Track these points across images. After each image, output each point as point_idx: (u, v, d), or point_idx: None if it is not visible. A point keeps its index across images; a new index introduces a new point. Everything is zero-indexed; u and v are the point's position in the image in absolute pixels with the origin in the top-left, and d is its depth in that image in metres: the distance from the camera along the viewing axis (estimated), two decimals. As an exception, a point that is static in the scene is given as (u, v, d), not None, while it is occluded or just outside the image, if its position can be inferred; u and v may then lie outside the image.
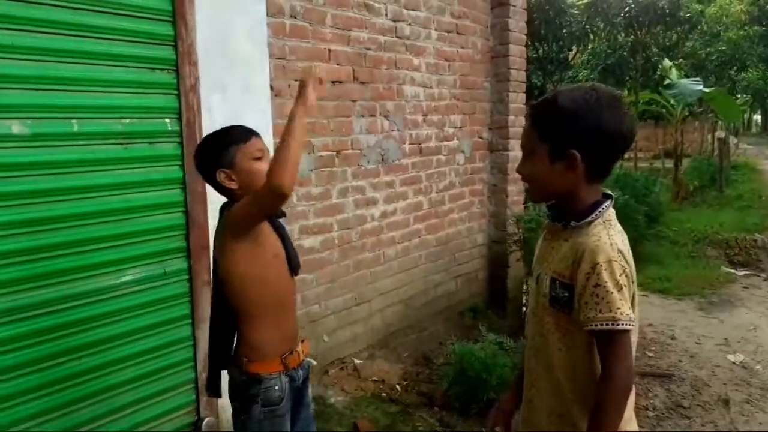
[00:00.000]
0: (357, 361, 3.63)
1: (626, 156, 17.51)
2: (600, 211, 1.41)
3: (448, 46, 4.30)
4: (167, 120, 2.44)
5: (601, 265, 1.31)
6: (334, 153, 3.49)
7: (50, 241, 2.11)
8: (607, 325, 1.30)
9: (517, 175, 5.12)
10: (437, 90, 4.23)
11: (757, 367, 3.97)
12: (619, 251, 1.35)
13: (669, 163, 13.32)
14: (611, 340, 1.32)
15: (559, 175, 1.40)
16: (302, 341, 1.89)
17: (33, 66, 2.04)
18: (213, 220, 2.55)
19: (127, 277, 2.34)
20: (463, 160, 4.55)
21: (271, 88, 3.00)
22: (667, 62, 11.65)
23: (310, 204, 3.37)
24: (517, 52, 4.78)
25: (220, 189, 1.76)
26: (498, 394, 2.95)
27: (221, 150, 1.73)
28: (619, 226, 1.43)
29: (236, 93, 2.70)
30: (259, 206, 1.62)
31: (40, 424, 2.11)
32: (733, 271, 6.69)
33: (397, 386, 3.42)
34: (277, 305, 1.78)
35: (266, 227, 1.75)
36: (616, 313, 1.30)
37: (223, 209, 1.79)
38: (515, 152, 4.82)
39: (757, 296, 5.69)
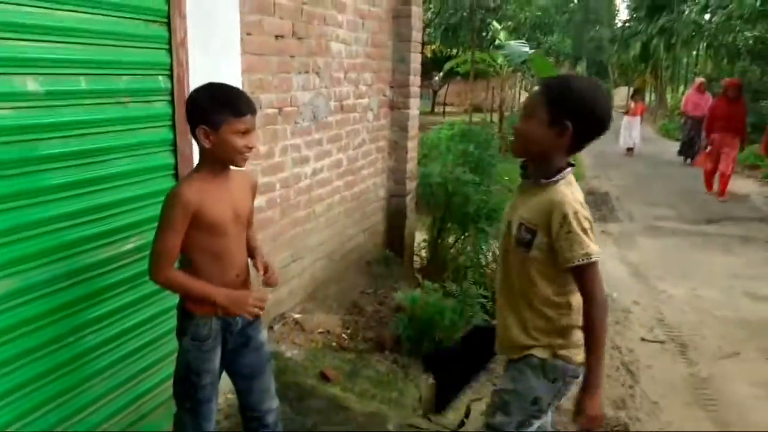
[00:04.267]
0: (296, 316, 3.73)
1: (449, 111, 18.88)
2: (564, 174, 1.78)
3: (363, 3, 4.37)
4: (160, 77, 2.28)
5: (569, 216, 1.71)
6: (277, 110, 3.45)
7: (56, 212, 1.92)
8: (582, 260, 1.71)
9: (414, 132, 5.41)
10: (354, 48, 4.31)
11: (614, 294, 4.88)
12: (581, 203, 1.75)
13: (478, 117, 14.74)
14: (588, 271, 1.73)
15: (548, 139, 1.76)
16: None
17: (26, 13, 1.78)
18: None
19: (129, 246, 2.20)
20: (372, 117, 4.72)
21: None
22: (496, 24, 12.71)
23: (257, 163, 3.32)
24: (417, 13, 5.00)
25: (194, 137, 1.83)
26: (449, 334, 3.31)
27: (214, 108, 1.78)
28: (577, 186, 1.83)
29: (216, 50, 2.58)
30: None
31: (58, 406, 1.97)
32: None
33: (344, 335, 3.62)
34: (213, 256, 1.89)
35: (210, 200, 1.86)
36: (587, 249, 1.70)
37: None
38: (413, 110, 5.12)
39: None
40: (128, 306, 2.23)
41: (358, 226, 4.70)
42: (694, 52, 21.90)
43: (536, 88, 1.84)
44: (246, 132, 1.81)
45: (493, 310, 3.90)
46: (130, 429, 2.31)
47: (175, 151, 2.38)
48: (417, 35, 5.05)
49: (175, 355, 2.04)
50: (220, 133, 1.78)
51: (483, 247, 4.34)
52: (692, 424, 3.19)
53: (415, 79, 5.06)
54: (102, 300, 2.11)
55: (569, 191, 1.77)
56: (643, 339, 4.18)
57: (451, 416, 2.88)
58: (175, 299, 2.05)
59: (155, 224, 1.85)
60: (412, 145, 5.15)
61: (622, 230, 7.21)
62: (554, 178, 1.78)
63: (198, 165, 1.90)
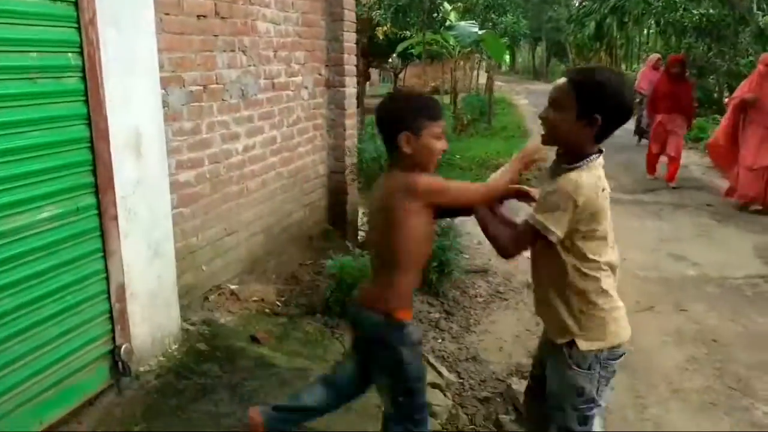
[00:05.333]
0: (232, 287, 3.88)
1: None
2: (587, 161, 1.84)
3: (292, -16, 4.49)
4: (69, 54, 2.39)
5: (563, 190, 1.79)
6: (202, 88, 3.57)
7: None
8: (536, 224, 1.84)
9: (352, 110, 5.54)
10: (284, 27, 4.44)
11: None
12: (578, 185, 1.79)
13: (445, 99, 14.95)
14: (530, 232, 1.87)
15: (578, 130, 1.83)
16: None
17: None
18: (118, 155, 2.62)
19: (44, 214, 2.32)
20: (307, 95, 4.86)
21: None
22: (447, 6, 12.86)
23: (183, 139, 3.44)
24: (349, -7, 5.14)
25: (392, 146, 1.92)
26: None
27: (414, 115, 1.90)
28: (599, 172, 1.86)
29: (129, 28, 2.68)
30: (466, 203, 2.00)
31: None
32: (512, 189, 8.08)
33: (277, 302, 3.79)
34: (421, 263, 2.02)
35: None
36: (547, 222, 1.81)
37: (392, 167, 1.97)
38: (350, 89, 5.26)
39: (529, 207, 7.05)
40: (43, 273, 2.34)
41: (298, 202, 4.86)
42: (646, 30, 22.42)
43: (562, 79, 1.90)
44: (441, 135, 1.93)
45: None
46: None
47: (89, 125, 2.49)
48: (350, 14, 5.18)
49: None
50: (421, 137, 1.89)
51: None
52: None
53: (349, 58, 5.20)
54: (16, 266, 2.23)
55: (577, 175, 1.81)
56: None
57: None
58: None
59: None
60: (351, 123, 5.30)
61: (563, 201, 7.48)
62: (576, 165, 1.84)
63: (392, 171, 1.97)
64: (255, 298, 3.75)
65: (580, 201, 1.78)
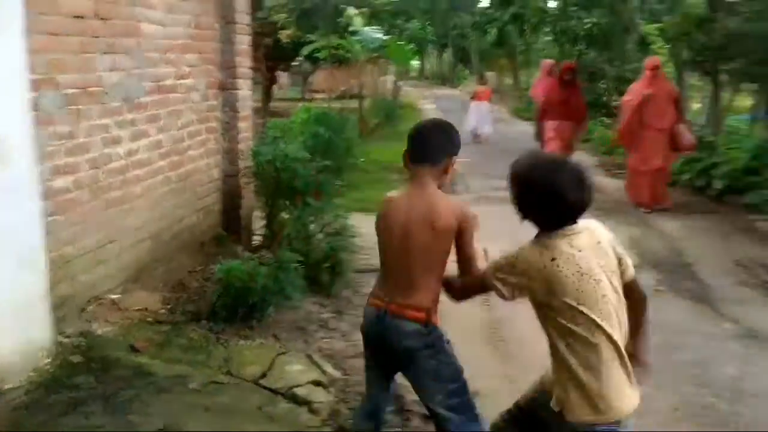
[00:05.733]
0: (113, 296, 3.76)
1: (317, 97, 19.06)
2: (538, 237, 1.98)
3: (179, -14, 4.42)
4: None
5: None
6: (80, 90, 3.45)
7: None
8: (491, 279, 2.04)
9: (247, 112, 5.55)
10: (173, 29, 4.36)
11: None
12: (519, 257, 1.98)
13: (351, 103, 15.10)
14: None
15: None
16: None
17: None
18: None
19: None
20: (199, 98, 4.79)
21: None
22: (351, 10, 13.01)
23: (60, 143, 3.31)
24: (242, -4, 5.12)
25: (435, 161, 2.17)
26: (263, 297, 3.53)
27: (459, 144, 2.26)
28: (547, 246, 1.93)
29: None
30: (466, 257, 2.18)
31: None
32: (412, 191, 8.30)
33: (162, 310, 3.72)
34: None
35: None
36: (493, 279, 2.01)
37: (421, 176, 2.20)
38: (244, 91, 5.24)
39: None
40: None
41: (190, 207, 4.77)
42: (543, 38, 23.65)
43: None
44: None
45: (308, 273, 4.17)
46: None
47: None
48: (243, 18, 5.16)
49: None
50: (454, 162, 2.21)
51: (310, 218, 4.57)
52: (480, 359, 3.64)
53: (243, 60, 5.18)
54: None
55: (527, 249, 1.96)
56: (454, 293, 4.63)
57: (254, 369, 3.09)
58: None
59: None
60: (245, 125, 5.28)
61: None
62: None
63: (432, 189, 2.19)
64: (138, 307, 3.66)
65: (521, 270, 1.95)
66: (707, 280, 5.20)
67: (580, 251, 1.89)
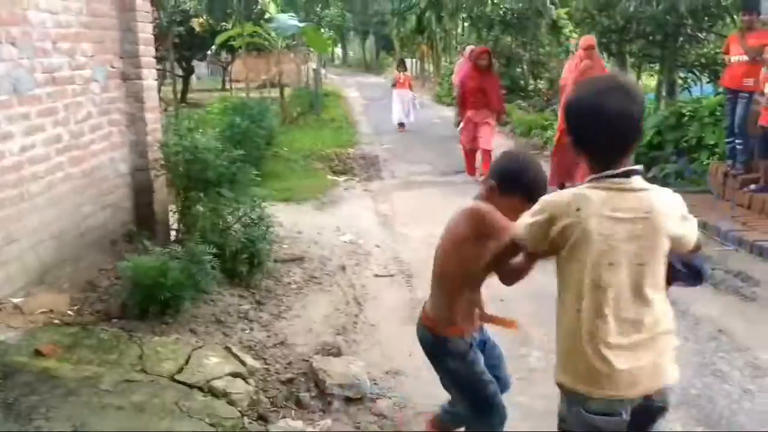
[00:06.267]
0: (15, 300, 3.55)
1: (238, 87, 18.61)
2: None
3: (69, -29, 4.18)
4: None
5: None
6: (-40, 83, 3.21)
7: None
8: None
9: (153, 103, 5.35)
10: (64, 17, 4.12)
11: (360, 241, 5.36)
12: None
13: (273, 93, 14.84)
14: None
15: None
16: None
17: None
18: None
19: None
20: (99, 89, 4.56)
21: None
22: (265, -3, 12.75)
23: (-62, 140, 3.08)
24: (140, -18, 4.89)
25: (497, 200, 2.09)
26: (176, 292, 3.42)
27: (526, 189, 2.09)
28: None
29: None
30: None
31: None
32: (336, 178, 8.31)
33: (69, 312, 3.54)
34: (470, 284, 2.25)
35: None
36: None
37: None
38: (149, 81, 5.04)
39: (355, 195, 7.34)
40: None
41: (96, 204, 4.55)
42: (460, 24, 24.00)
43: None
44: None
45: (225, 265, 4.09)
46: None
47: None
48: (144, 4, 4.95)
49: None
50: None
51: (225, 209, 4.46)
52: (402, 337, 3.68)
53: (146, 49, 4.97)
54: None
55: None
56: (376, 275, 4.68)
57: (170, 365, 3.00)
58: None
59: None
60: (152, 117, 5.07)
61: (382, 186, 7.86)
62: None
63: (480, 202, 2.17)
64: (43, 310, 3.47)
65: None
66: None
67: (614, 214, 1.64)
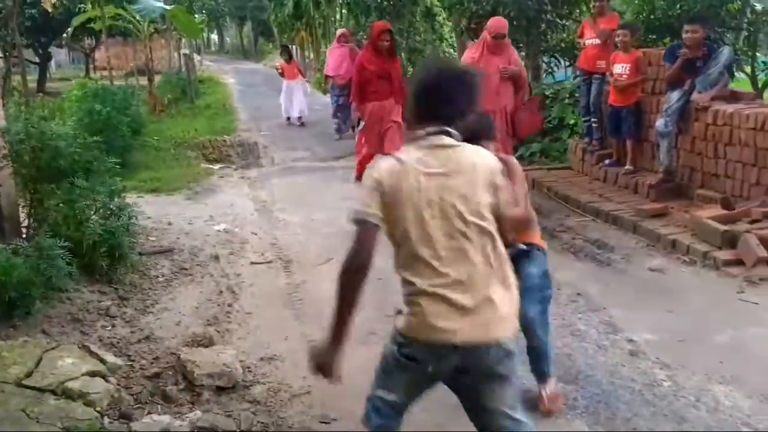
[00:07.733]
0: None
1: (103, 75, 17.34)
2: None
3: None
4: None
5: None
6: None
7: None
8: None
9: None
10: None
11: (236, 229, 5.20)
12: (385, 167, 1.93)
13: (143, 80, 13.97)
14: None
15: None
16: None
17: None
18: None
19: None
20: None
21: None
22: (128, -23, 11.92)
23: None
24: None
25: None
26: (23, 291, 3.12)
27: None
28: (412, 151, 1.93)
29: None
30: None
31: None
32: (210, 166, 8.01)
33: None
34: None
35: None
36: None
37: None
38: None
39: (230, 183, 7.11)
40: None
41: (-74, 201, 4.04)
42: (338, 10, 23.88)
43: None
44: None
45: (82, 260, 3.80)
46: None
47: None
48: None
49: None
50: None
51: (81, 201, 4.12)
52: (278, 322, 3.62)
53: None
54: None
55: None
56: (252, 263, 4.55)
57: (17, 369, 2.74)
58: None
59: None
60: (-10, 102, 4.58)
61: (261, 173, 7.67)
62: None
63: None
64: None
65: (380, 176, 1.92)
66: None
67: (427, 168, 1.83)
